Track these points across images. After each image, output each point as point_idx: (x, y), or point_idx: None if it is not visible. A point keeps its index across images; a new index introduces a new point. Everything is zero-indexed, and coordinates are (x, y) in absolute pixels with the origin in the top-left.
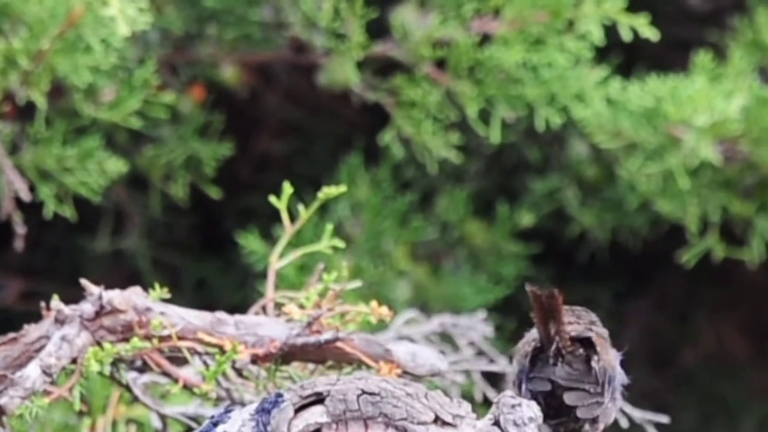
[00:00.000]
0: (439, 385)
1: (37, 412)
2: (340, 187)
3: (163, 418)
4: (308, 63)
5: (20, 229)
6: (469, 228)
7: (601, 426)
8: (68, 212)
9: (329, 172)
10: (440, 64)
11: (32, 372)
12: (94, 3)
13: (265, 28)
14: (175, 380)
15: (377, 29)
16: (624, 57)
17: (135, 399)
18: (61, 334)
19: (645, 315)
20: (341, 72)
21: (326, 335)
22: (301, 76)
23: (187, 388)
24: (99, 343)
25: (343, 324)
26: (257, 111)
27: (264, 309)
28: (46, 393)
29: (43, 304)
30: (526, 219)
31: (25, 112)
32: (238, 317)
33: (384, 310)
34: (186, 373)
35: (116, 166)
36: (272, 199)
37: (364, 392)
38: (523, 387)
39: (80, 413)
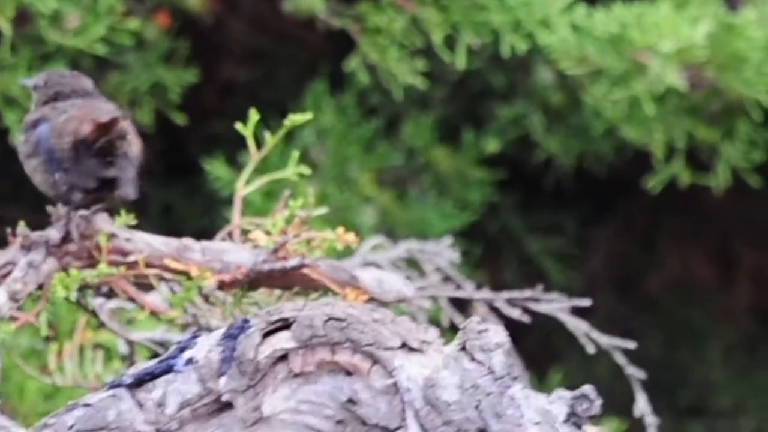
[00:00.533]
0: (406, 310)
1: (4, 337)
2: (306, 114)
3: (130, 343)
4: None
5: None
6: (434, 154)
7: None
8: None
9: (294, 99)
10: None
11: None
12: None
13: None
14: (142, 306)
15: None
16: None
17: (102, 325)
18: (27, 260)
19: (610, 241)
20: None
21: (292, 261)
22: (267, 2)
23: (154, 314)
24: (65, 269)
25: (309, 250)
26: (222, 38)
27: (230, 235)
28: (13, 319)
29: (9, 230)
30: (492, 145)
31: None
32: (204, 243)
33: (350, 237)
34: (153, 299)
35: None
36: (238, 125)
37: (330, 318)
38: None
39: (47, 339)
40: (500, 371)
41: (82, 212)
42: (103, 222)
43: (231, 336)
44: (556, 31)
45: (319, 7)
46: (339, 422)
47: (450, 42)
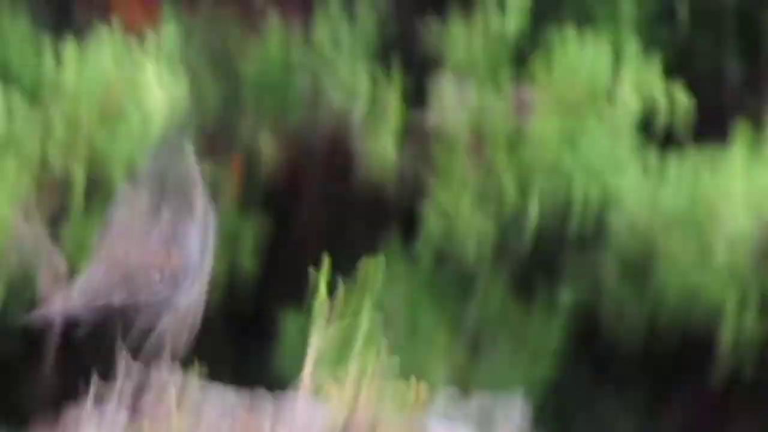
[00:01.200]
0: None
1: None
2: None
3: None
4: (345, 132)
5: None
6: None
7: None
8: None
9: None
10: (476, 132)
11: None
12: (132, 73)
13: (304, 101)
14: None
15: (415, 98)
16: (662, 126)
17: None
18: (100, 413)
19: None
20: (379, 142)
21: None
22: (340, 148)
23: None
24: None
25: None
26: (295, 183)
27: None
28: None
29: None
30: None
31: (64, 185)
32: None
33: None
34: None
35: None
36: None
37: None
38: None
39: None
40: None
41: None
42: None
43: None
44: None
45: (392, 150)
46: None
47: None
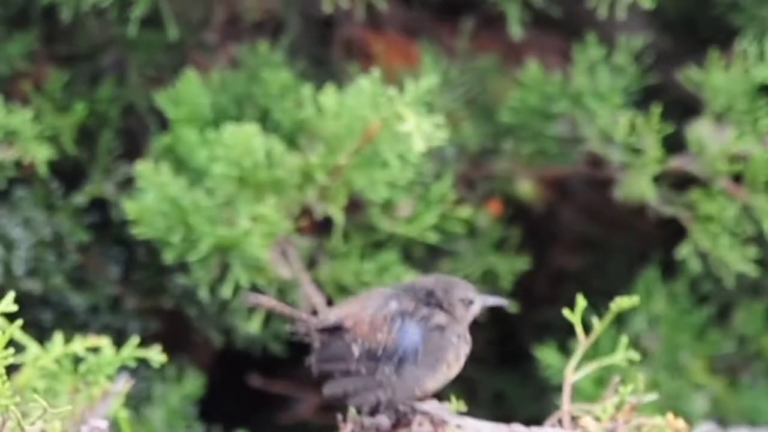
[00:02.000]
0: None
1: None
2: (633, 299)
3: None
4: (604, 177)
5: (316, 343)
6: (766, 341)
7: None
8: None
9: (625, 286)
10: (736, 178)
11: None
12: (391, 119)
13: (561, 143)
14: None
15: (673, 144)
16: None
17: None
18: None
19: None
20: (637, 186)
21: None
22: (597, 190)
23: None
24: None
25: None
26: (553, 225)
27: (560, 422)
28: None
29: (340, 416)
30: None
31: (323, 226)
32: (534, 430)
33: (680, 423)
34: None
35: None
36: (566, 312)
37: None
38: None
39: None
40: None
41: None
42: (433, 408)
43: None
44: None
45: (651, 195)
46: None
47: None
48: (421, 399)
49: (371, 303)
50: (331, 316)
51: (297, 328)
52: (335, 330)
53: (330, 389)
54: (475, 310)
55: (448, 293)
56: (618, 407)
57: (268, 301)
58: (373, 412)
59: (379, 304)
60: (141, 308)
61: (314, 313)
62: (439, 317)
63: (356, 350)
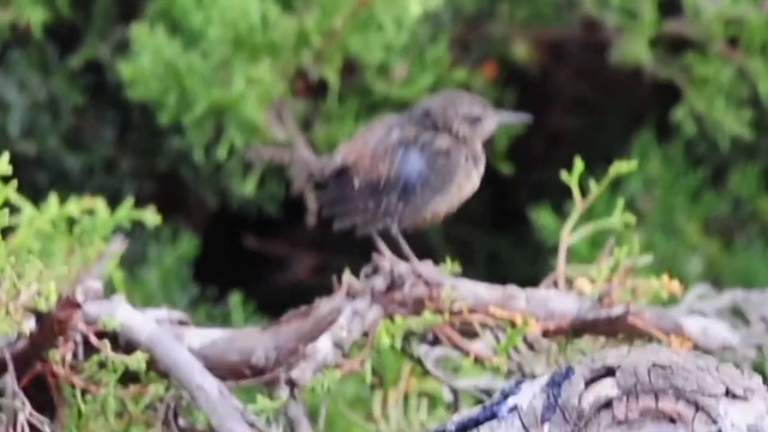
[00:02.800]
0: (731, 359)
1: (329, 385)
2: (632, 163)
3: (455, 391)
4: (600, 41)
5: (312, 204)
6: (761, 203)
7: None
8: None
9: (621, 148)
10: (732, 41)
11: (324, 345)
12: None
13: (557, 6)
14: (467, 354)
15: (669, 7)
16: None
17: (426, 372)
18: (352, 308)
19: None
20: (633, 49)
21: (617, 310)
22: (593, 52)
23: (479, 361)
24: (390, 317)
25: (634, 298)
26: (549, 88)
27: (555, 283)
28: (338, 366)
29: (335, 278)
30: None
31: (318, 89)
32: (529, 291)
33: (675, 285)
34: (477, 346)
35: None
36: (563, 174)
37: (655, 365)
38: None
39: (372, 386)
40: None
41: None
42: (428, 270)
43: (555, 383)
44: None
45: (646, 58)
46: None
47: None
48: (433, 222)
49: (373, 136)
50: (334, 156)
51: (299, 175)
52: (339, 171)
53: (338, 224)
54: (487, 127)
55: (447, 112)
56: (613, 269)
57: (268, 152)
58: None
59: (380, 135)
60: (136, 170)
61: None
62: (442, 140)
63: (357, 185)
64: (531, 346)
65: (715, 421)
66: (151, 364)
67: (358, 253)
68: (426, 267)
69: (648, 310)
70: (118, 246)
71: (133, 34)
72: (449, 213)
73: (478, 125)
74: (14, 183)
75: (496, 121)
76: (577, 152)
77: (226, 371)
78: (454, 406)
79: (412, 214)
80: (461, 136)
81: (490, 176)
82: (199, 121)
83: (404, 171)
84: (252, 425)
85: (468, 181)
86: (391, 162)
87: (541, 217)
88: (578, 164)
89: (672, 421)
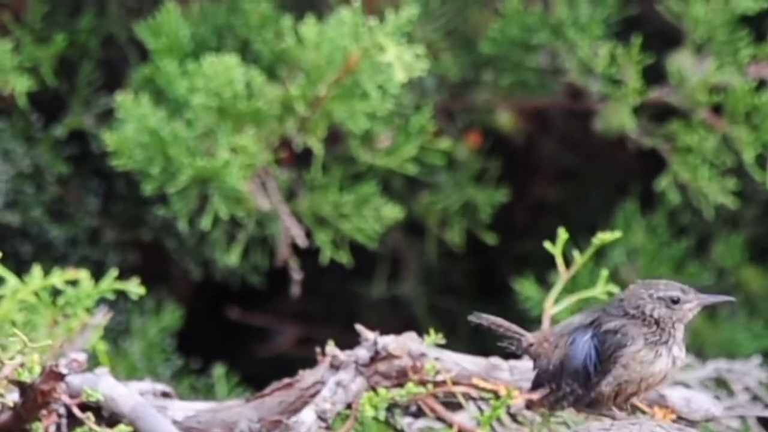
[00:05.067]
0: (714, 430)
1: None
2: (615, 233)
3: None
4: (584, 109)
5: (297, 275)
6: (745, 274)
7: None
8: (344, 258)
9: (605, 218)
10: (716, 109)
11: (307, 417)
12: (371, 50)
13: (541, 75)
14: (450, 425)
15: (653, 75)
16: None
17: None
18: (336, 380)
19: None
20: (617, 118)
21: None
22: (577, 122)
23: None
24: (374, 389)
25: None
26: (533, 157)
27: None
28: None
29: (318, 349)
30: None
31: (302, 158)
32: (512, 362)
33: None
34: (461, 418)
35: (392, 212)
36: (547, 244)
37: None
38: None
39: None
40: None
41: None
42: (412, 342)
43: None
44: None
45: (630, 126)
46: None
47: (761, 161)
48: (620, 405)
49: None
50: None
51: (513, 345)
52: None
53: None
54: (687, 309)
55: (640, 295)
56: None
57: (494, 321)
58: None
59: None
60: (120, 240)
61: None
62: (616, 322)
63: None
64: (514, 418)
65: None
66: None
67: (342, 324)
68: (409, 338)
69: None
70: (102, 317)
71: (117, 103)
72: (638, 394)
73: (676, 307)
74: None
75: (697, 303)
76: (561, 222)
77: None
78: None
79: (585, 395)
80: (656, 319)
81: (474, 247)
82: (184, 191)
83: (572, 354)
84: None
85: (647, 364)
86: (557, 346)
87: (525, 287)
88: (562, 234)
89: None
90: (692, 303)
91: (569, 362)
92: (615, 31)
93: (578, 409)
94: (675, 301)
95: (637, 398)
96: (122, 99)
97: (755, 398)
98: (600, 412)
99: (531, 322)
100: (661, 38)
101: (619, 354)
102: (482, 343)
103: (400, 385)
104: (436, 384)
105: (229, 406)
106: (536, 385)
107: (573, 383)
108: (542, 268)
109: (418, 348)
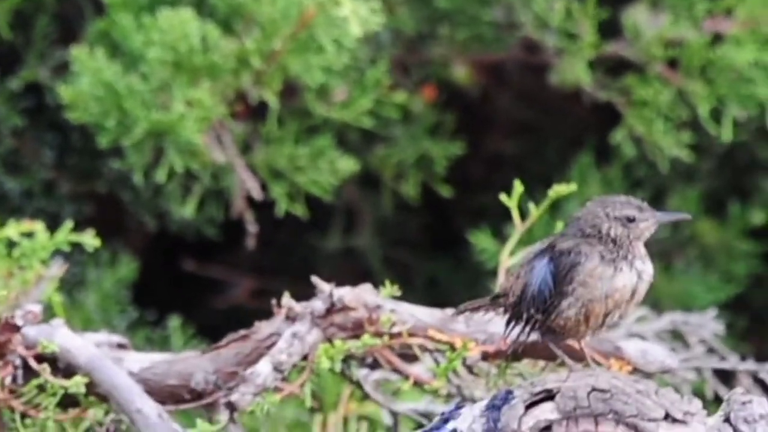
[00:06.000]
0: (670, 382)
1: (269, 408)
2: (571, 186)
3: (394, 414)
4: (540, 63)
5: (252, 227)
6: (700, 227)
7: None
8: (300, 211)
9: (560, 171)
10: (672, 63)
11: (264, 369)
12: (327, 4)
13: (497, 29)
14: (406, 377)
15: (609, 29)
16: None
17: (366, 396)
18: (292, 331)
19: None
20: (573, 71)
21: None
22: (533, 75)
23: (418, 384)
24: (330, 340)
25: None
26: (488, 110)
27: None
28: (277, 389)
29: (274, 301)
30: (758, 217)
31: (258, 111)
32: (468, 314)
33: None
34: (417, 369)
35: (348, 164)
36: (503, 197)
37: (594, 389)
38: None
39: (312, 410)
40: None
41: None
42: (367, 294)
43: (494, 407)
44: None
45: (585, 80)
46: None
47: (716, 114)
48: (596, 329)
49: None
50: None
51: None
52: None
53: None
54: (643, 228)
55: (596, 215)
56: None
57: (472, 304)
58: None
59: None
60: (75, 193)
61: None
62: (569, 242)
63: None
64: (470, 370)
65: None
66: (91, 388)
67: (297, 276)
68: (365, 290)
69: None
70: (57, 269)
71: (72, 56)
72: (612, 314)
73: (632, 226)
74: None
75: (653, 221)
76: (517, 175)
77: (166, 395)
78: (393, 430)
79: (546, 321)
80: (613, 237)
81: (430, 200)
82: (139, 144)
83: (530, 281)
84: None
85: (607, 280)
86: (518, 276)
87: (481, 240)
88: (517, 187)
89: None
90: (648, 221)
91: (528, 289)
92: None
93: (549, 342)
94: (631, 220)
95: (612, 319)
96: (77, 52)
97: (711, 350)
98: (566, 341)
99: (486, 275)
100: None
101: (574, 273)
102: (438, 295)
103: (356, 336)
104: (392, 336)
105: (185, 358)
106: (507, 323)
107: (532, 309)
108: (498, 221)
109: (373, 300)
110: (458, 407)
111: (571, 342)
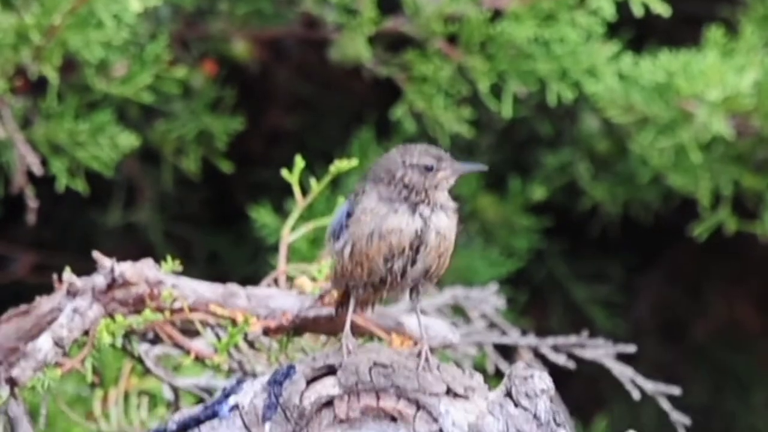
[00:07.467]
0: (451, 357)
1: (49, 383)
2: (352, 161)
3: (175, 389)
4: (319, 38)
5: (32, 202)
6: (481, 202)
7: None
8: (80, 186)
9: (341, 147)
10: (452, 39)
11: (44, 344)
12: None
13: (277, 3)
14: (187, 352)
15: (388, 4)
16: (635, 32)
17: (147, 371)
18: (73, 306)
19: (656, 288)
20: (352, 47)
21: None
22: (313, 51)
23: (199, 359)
24: (111, 315)
25: None
26: (269, 86)
27: (276, 281)
28: (58, 365)
29: (55, 276)
30: (538, 193)
31: (37, 86)
32: (249, 290)
33: None
34: (198, 345)
35: (128, 140)
36: (284, 172)
37: (376, 364)
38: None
39: (92, 385)
40: (545, 417)
41: None
42: (148, 269)
43: (276, 382)
44: (602, 80)
45: (366, 56)
46: None
47: (496, 90)
48: (368, 267)
49: None
50: None
51: None
52: None
53: None
54: (441, 177)
55: (393, 161)
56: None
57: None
58: None
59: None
60: None
61: None
62: (360, 185)
63: None
64: (252, 345)
65: (436, 420)
66: None
67: (78, 251)
68: (146, 265)
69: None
70: None
71: None
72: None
73: (429, 175)
74: None
75: (451, 172)
76: (298, 151)
77: None
78: (174, 405)
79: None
80: (406, 184)
81: (210, 175)
82: None
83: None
84: None
85: (379, 217)
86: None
87: (261, 215)
88: (298, 162)
89: (393, 419)
90: (446, 171)
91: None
92: None
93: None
94: (428, 169)
95: (399, 271)
96: None
97: (492, 325)
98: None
99: (267, 250)
100: None
101: (354, 212)
102: (219, 270)
103: (138, 312)
104: (174, 311)
105: None
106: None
107: (334, 255)
108: (279, 196)
109: (155, 275)
110: (239, 382)
111: (355, 317)
